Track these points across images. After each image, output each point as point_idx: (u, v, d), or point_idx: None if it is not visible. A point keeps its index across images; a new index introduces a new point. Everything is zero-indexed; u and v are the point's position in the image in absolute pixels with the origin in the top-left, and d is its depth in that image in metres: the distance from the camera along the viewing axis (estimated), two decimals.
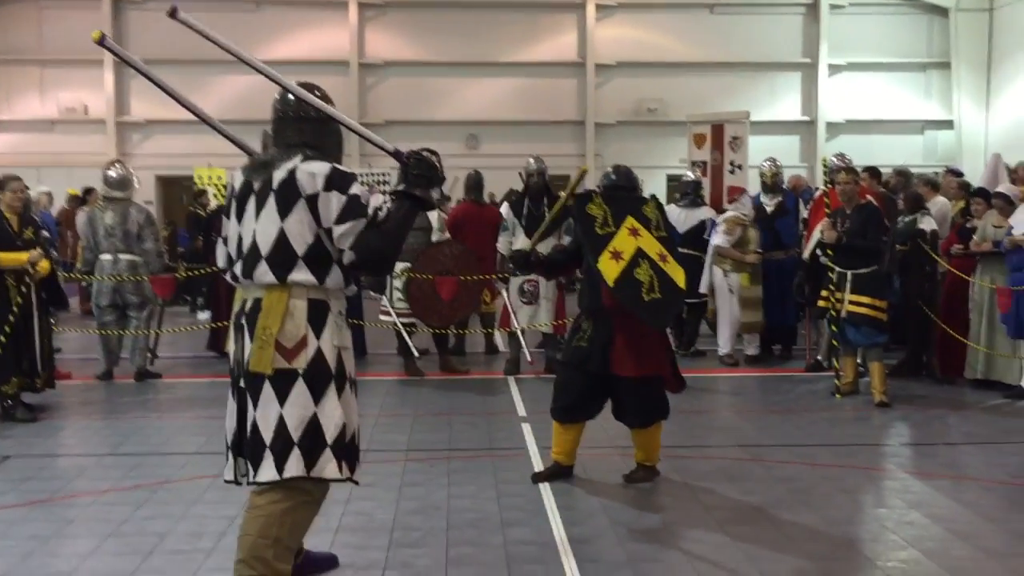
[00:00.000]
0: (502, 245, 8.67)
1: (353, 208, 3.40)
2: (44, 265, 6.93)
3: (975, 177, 10.61)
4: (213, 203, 13.75)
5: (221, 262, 3.73)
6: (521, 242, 8.53)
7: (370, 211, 3.43)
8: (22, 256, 6.76)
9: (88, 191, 13.17)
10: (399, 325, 8.44)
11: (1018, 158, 10.17)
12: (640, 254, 5.10)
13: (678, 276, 5.16)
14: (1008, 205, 7.73)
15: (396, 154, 3.60)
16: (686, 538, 4.43)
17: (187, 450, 6.03)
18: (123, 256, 8.29)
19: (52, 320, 7.74)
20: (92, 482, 5.35)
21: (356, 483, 3.67)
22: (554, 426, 5.42)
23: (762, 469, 5.63)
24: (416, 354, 8.46)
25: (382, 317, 8.76)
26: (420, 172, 3.52)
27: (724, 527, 4.58)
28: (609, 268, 5.04)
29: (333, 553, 4.14)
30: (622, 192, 5.51)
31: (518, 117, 22.28)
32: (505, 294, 8.66)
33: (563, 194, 5.64)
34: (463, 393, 7.91)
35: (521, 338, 8.57)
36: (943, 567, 4.07)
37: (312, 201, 3.41)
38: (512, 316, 8.56)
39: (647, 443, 5.33)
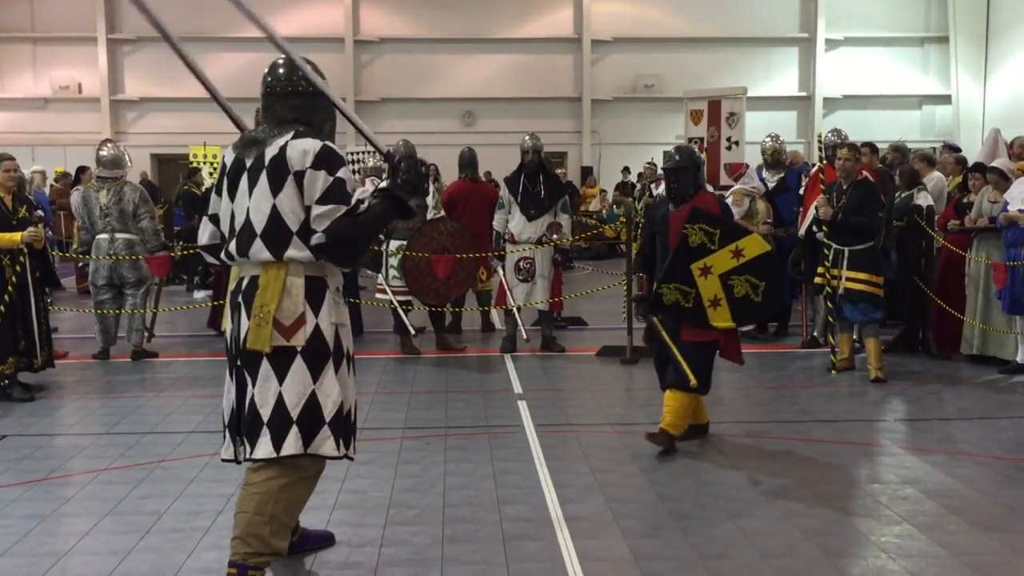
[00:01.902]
0: (498, 223, 8.66)
1: (336, 191, 3.38)
2: (39, 240, 6.90)
3: (973, 152, 10.57)
4: (208, 181, 13.71)
5: (204, 239, 3.70)
6: (517, 219, 8.53)
7: (353, 200, 3.41)
8: (16, 236, 6.74)
9: (82, 170, 13.12)
10: (395, 303, 8.43)
11: (1016, 132, 10.11)
12: (726, 276, 5.30)
13: (756, 249, 5.31)
14: (1003, 180, 7.71)
15: (388, 156, 3.61)
16: (681, 514, 4.45)
17: (184, 429, 6.03)
18: (119, 235, 8.27)
19: (48, 300, 7.72)
20: (89, 461, 5.36)
21: (352, 459, 3.70)
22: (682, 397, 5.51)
23: (757, 445, 5.65)
24: (412, 332, 8.46)
25: (378, 295, 8.75)
26: (408, 178, 3.51)
27: (719, 503, 4.60)
28: (721, 317, 5.32)
29: (330, 531, 4.16)
30: (685, 173, 5.67)
31: (514, 94, 22.20)
32: (501, 272, 8.66)
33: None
34: (459, 371, 7.92)
35: (517, 316, 8.57)
36: (937, 542, 4.10)
37: (299, 177, 3.39)
38: (508, 294, 8.56)
39: (672, 408, 5.46)
